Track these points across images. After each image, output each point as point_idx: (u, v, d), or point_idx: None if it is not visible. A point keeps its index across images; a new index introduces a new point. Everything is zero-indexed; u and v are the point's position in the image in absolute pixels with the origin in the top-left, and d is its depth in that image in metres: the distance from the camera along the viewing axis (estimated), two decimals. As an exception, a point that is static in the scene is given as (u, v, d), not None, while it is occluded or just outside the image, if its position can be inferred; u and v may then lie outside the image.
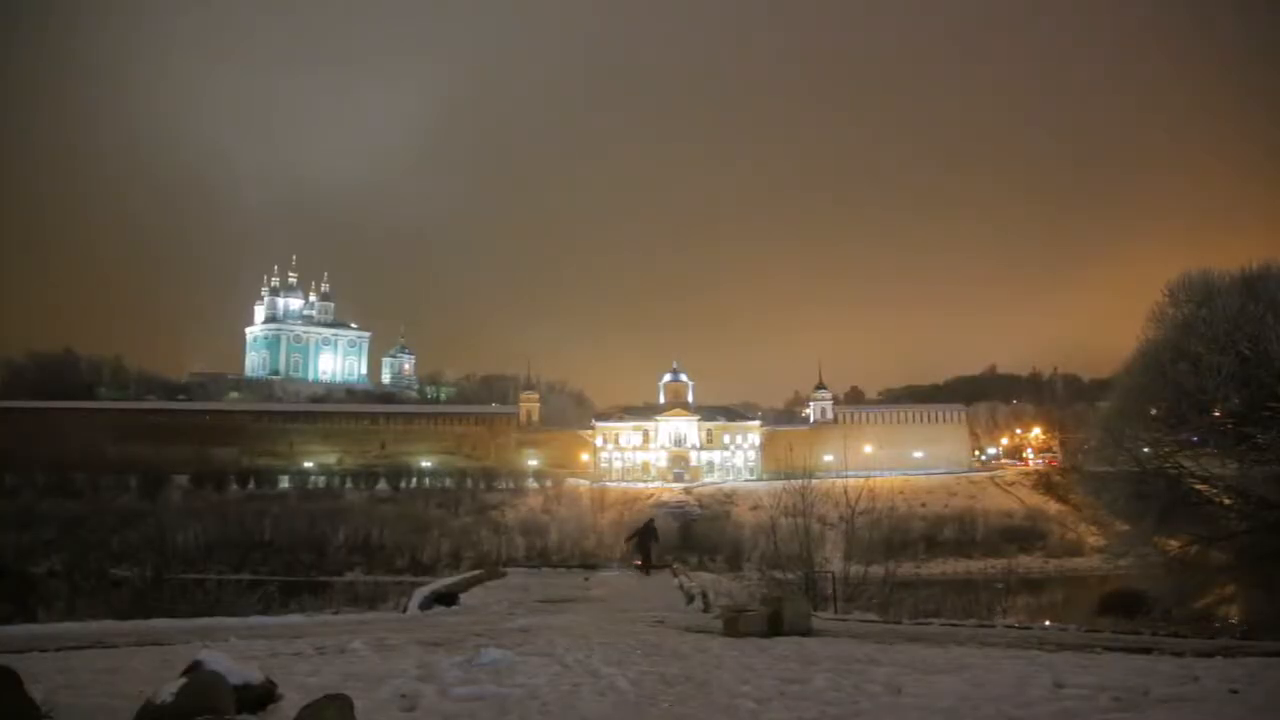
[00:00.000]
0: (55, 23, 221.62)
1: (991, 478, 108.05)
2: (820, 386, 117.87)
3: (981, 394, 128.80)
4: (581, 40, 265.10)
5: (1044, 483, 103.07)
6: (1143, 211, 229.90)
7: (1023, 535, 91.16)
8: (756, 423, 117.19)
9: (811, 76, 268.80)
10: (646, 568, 29.95)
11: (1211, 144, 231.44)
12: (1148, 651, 9.16)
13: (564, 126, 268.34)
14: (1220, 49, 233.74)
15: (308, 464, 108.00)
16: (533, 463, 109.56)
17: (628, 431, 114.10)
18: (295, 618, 16.30)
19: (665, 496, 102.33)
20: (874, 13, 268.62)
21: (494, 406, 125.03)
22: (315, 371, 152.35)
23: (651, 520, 36.09)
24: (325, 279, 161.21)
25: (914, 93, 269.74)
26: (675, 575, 27.71)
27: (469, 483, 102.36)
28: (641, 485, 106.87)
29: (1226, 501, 17.15)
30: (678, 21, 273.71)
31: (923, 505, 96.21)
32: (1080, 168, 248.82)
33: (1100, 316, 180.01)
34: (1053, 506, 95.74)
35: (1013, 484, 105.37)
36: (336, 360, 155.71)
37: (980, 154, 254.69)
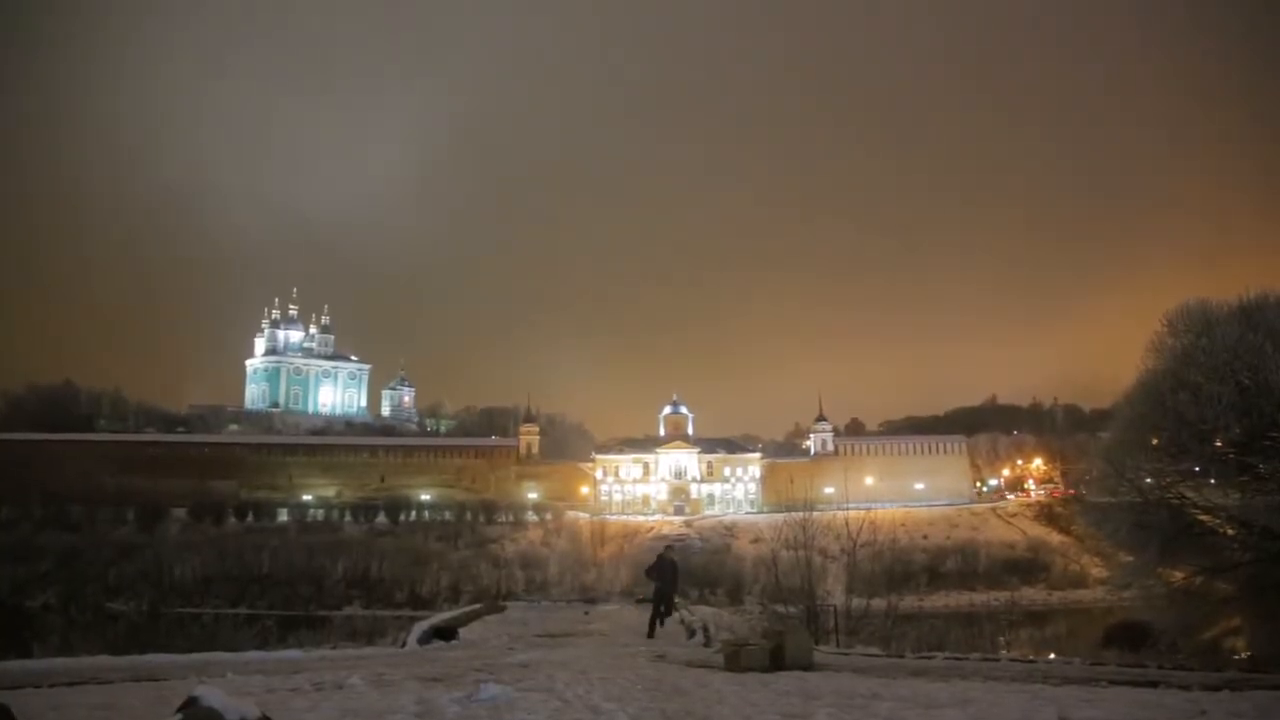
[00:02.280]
0: (50, 54, 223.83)
1: (993, 509, 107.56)
2: (820, 418, 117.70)
3: (982, 425, 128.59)
4: (581, 73, 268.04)
5: (1046, 514, 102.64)
6: (1144, 241, 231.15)
7: (1025, 567, 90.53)
8: (757, 455, 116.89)
9: (811, 108, 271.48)
10: (659, 619, 21.91)
11: (1213, 174, 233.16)
12: (1154, 685, 9.06)
13: (564, 157, 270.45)
14: (1225, 76, 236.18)
15: (306, 497, 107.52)
16: (532, 495, 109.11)
17: (628, 464, 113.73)
18: (293, 653, 16.14)
19: (665, 529, 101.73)
20: (875, 45, 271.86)
21: (493, 439, 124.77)
22: (315, 404, 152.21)
23: (670, 553, 24.50)
24: (325, 311, 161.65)
25: (913, 125, 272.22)
26: (675, 610, 27.51)
27: (468, 516, 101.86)
28: (641, 518, 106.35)
29: (1230, 532, 17.08)
30: (677, 55, 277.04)
31: (924, 537, 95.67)
32: (1080, 198, 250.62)
33: (1101, 346, 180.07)
34: (1055, 538, 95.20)
35: (1014, 515, 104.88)
36: (336, 393, 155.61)
37: (979, 185, 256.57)
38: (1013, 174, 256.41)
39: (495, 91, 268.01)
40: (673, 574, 22.93)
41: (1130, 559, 19.03)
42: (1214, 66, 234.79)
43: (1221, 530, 17.48)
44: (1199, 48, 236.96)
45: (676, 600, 25.15)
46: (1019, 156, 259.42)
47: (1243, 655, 17.38)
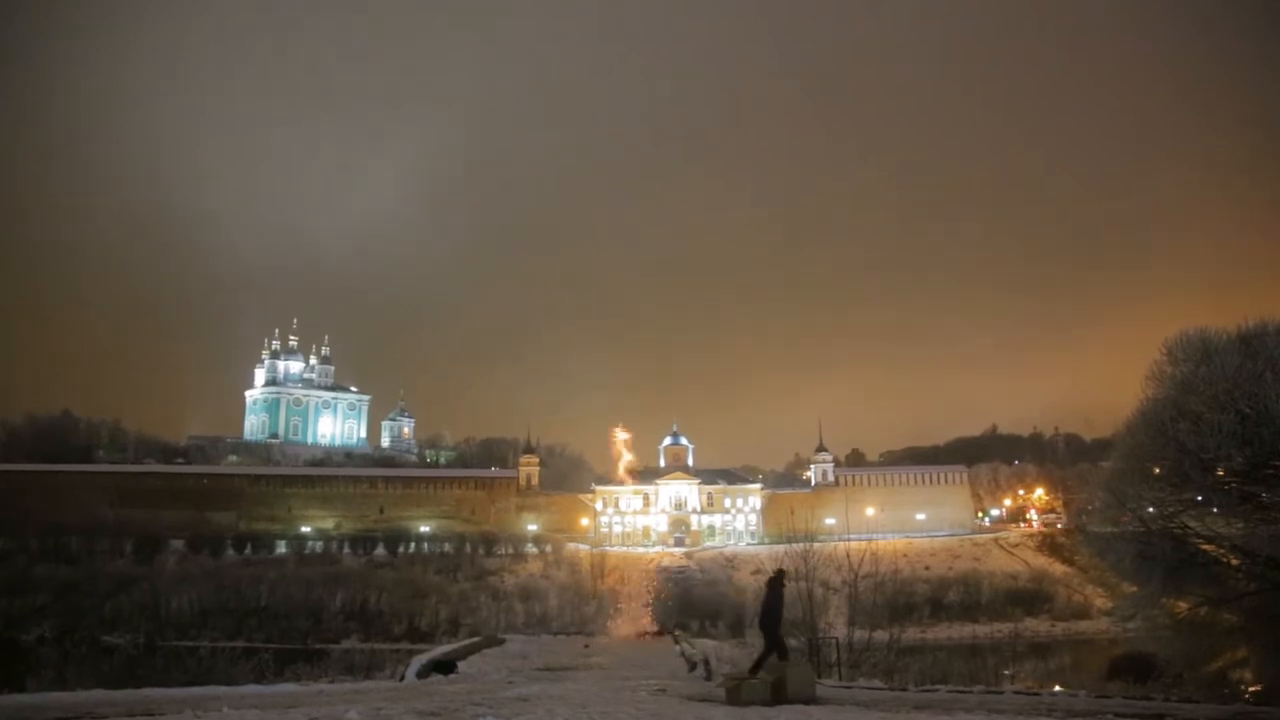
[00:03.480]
0: (46, 84, 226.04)
1: (995, 539, 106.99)
2: (821, 449, 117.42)
3: (983, 455, 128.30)
4: (582, 101, 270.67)
5: (1048, 544, 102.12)
6: (1144, 270, 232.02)
7: (1028, 598, 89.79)
8: (757, 486, 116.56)
9: (810, 139, 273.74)
10: (761, 662, 15.47)
11: (1215, 202, 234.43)
12: (1160, 718, 8.97)
13: (563, 188, 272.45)
14: (1226, 104, 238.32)
15: (305, 528, 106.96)
16: (532, 527, 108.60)
17: (628, 495, 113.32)
18: (290, 686, 15.99)
19: (666, 561, 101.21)
20: (876, 76, 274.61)
21: (493, 470, 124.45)
22: (314, 435, 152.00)
23: (780, 579, 17.59)
24: (326, 341, 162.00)
25: (913, 156, 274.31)
26: (676, 642, 27.25)
27: (468, 548, 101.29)
28: (642, 550, 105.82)
29: (1234, 562, 16.99)
30: (677, 84, 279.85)
31: (926, 568, 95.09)
32: (1080, 226, 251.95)
33: (1101, 375, 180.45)
34: (1058, 568, 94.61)
35: (1017, 546, 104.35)
36: (336, 423, 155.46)
37: (979, 215, 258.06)
38: (1013, 204, 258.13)
39: (497, 121, 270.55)
40: (777, 602, 17.65)
41: (1134, 589, 18.92)
42: (1215, 96, 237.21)
43: (1226, 560, 17.40)
44: (1203, 78, 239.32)
45: (677, 633, 24.01)
46: (1019, 187, 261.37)
47: (1250, 687, 17.22)
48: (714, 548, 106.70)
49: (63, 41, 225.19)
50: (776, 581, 16.78)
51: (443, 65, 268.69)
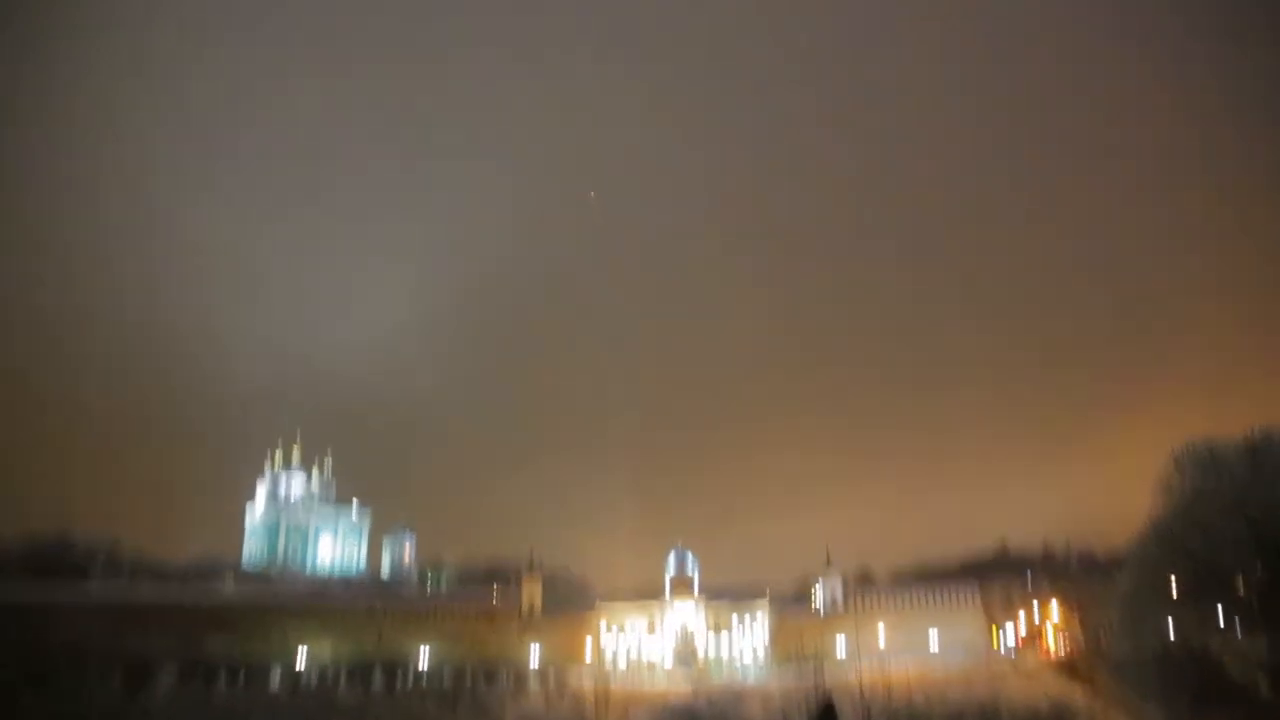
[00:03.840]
0: (41, 187, 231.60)
1: (1013, 665, 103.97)
2: (828, 567, 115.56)
3: (994, 571, 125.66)
4: (583, 217, 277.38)
5: (1067, 668, 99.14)
6: (1148, 374, 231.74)
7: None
8: (764, 602, 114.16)
9: (808, 250, 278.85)
10: None
11: (1217, 304, 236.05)
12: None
13: (568, 304, 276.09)
14: (1232, 199, 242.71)
15: (301, 655, 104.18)
16: (535, 654, 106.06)
17: (633, 615, 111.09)
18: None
19: (673, 700, 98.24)
20: (868, 181, 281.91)
21: (495, 591, 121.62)
22: (314, 558, 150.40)
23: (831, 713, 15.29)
24: (329, 453, 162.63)
25: (913, 269, 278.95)
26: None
27: (468, 680, 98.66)
28: (648, 687, 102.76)
29: (1260, 680, 16.53)
30: (676, 215, 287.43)
31: (942, 699, 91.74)
32: (1082, 334, 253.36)
33: (1110, 483, 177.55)
34: (1080, 695, 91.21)
35: (1035, 672, 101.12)
36: (336, 545, 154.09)
37: (982, 326, 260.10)
38: (1018, 314, 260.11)
39: (499, 238, 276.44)
40: None
41: (1161, 715, 18.26)
42: (1221, 179, 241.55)
43: (1254, 681, 16.91)
44: (1201, 162, 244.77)
45: None
46: (1023, 299, 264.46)
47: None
48: (722, 680, 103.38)
49: (62, 163, 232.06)
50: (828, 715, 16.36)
51: (448, 183, 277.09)
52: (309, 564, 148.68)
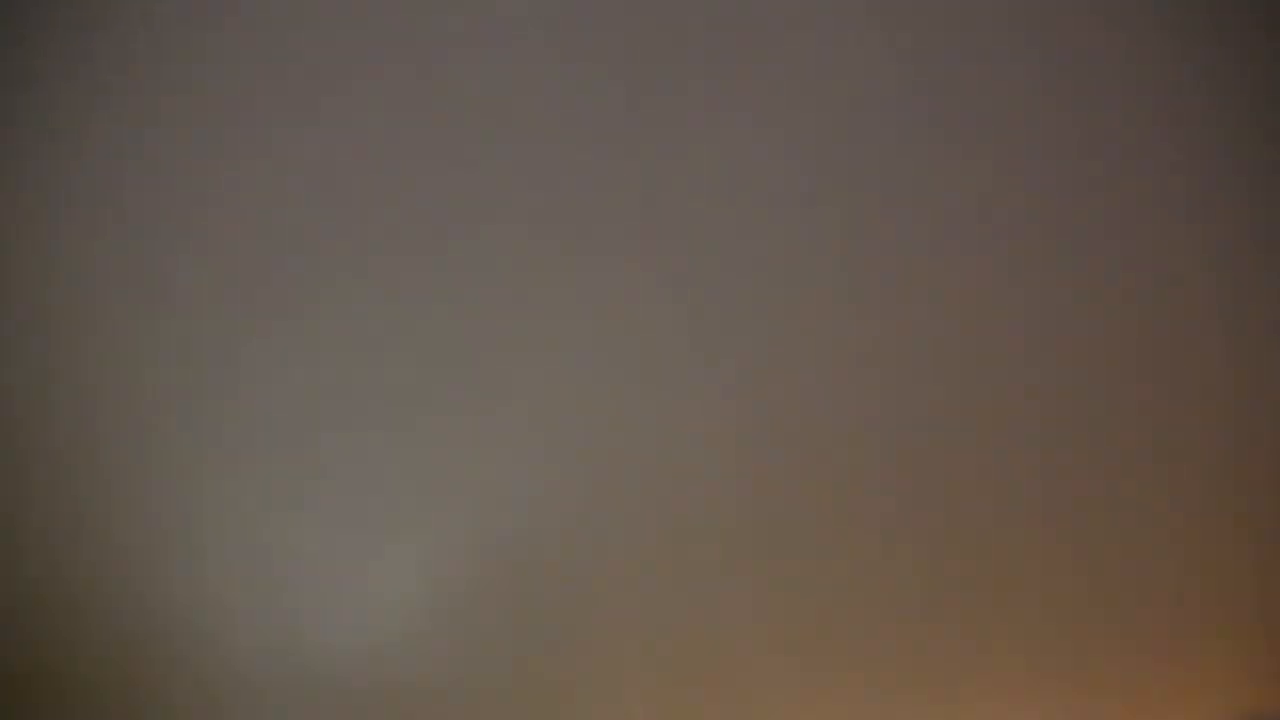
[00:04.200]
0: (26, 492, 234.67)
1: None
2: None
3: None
4: (585, 479, 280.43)
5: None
6: (1174, 659, 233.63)
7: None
8: None
9: (805, 505, 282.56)
10: None
11: (1257, 573, 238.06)
12: None
13: (582, 573, 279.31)
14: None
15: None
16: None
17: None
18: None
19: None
20: (861, 393, 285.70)
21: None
22: None
23: None
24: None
25: (915, 517, 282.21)
26: None
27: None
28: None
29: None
30: (677, 485, 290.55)
31: None
32: (1096, 621, 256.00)
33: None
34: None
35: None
36: None
37: (987, 619, 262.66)
38: (1022, 603, 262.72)
39: (507, 512, 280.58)
40: None
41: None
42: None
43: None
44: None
45: None
46: (1024, 580, 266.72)
47: None
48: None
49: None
50: None
51: (457, 458, 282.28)
52: None
